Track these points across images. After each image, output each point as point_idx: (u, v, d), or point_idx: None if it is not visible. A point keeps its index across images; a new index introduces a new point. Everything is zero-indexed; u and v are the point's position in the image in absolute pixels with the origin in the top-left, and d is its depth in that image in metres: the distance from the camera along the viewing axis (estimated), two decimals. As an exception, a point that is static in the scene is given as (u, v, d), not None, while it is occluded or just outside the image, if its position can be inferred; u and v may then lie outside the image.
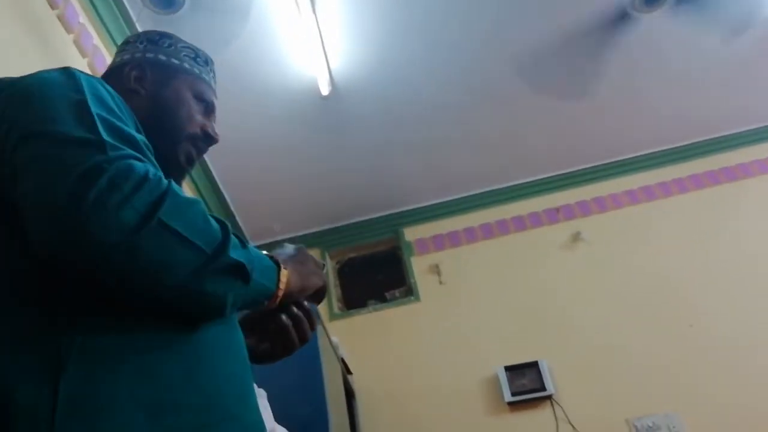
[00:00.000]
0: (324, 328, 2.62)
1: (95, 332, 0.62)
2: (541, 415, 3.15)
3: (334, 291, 3.93)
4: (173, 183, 0.68)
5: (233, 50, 2.69)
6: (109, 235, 0.59)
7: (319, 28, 2.69)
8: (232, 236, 0.70)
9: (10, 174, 0.65)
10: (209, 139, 1.02)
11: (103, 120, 0.68)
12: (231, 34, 2.60)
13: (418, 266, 3.86)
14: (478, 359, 3.37)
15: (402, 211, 4.06)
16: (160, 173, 0.67)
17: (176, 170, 0.97)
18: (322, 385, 2.24)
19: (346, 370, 3.18)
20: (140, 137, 0.73)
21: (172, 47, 1.02)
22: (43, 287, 0.64)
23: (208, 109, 1.03)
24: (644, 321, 3.33)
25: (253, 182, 3.57)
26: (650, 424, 3.01)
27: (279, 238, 3.83)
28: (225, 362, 0.73)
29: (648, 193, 3.85)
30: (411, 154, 3.60)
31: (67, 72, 0.74)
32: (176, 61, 1.01)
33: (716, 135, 3.92)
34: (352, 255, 4.13)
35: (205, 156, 3.54)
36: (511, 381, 3.23)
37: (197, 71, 1.02)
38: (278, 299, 0.80)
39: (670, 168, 3.90)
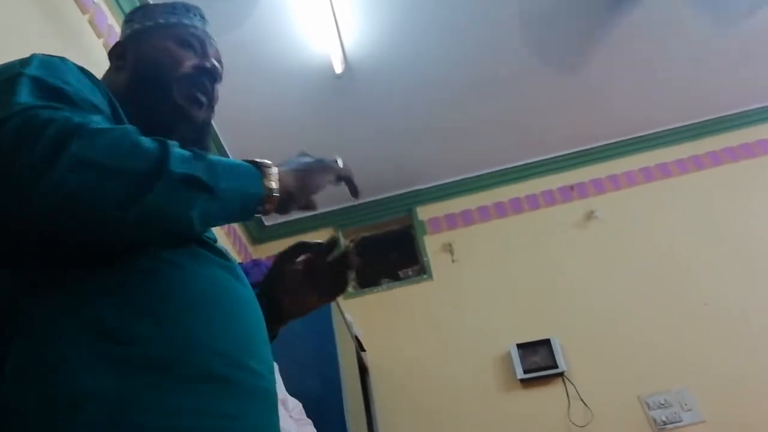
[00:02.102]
0: (338, 305, 2.65)
1: (47, 292, 0.62)
2: (553, 392, 3.18)
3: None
4: (93, 120, 0.65)
5: (246, 29, 2.69)
6: (22, 181, 0.57)
7: (332, 5, 2.67)
8: (175, 151, 0.65)
9: None
10: (206, 72, 0.95)
11: (35, 82, 0.67)
12: (244, 12, 2.59)
13: (431, 245, 3.87)
14: (490, 336, 3.40)
15: (415, 190, 4.07)
16: (78, 117, 0.63)
17: (183, 118, 0.92)
18: (337, 362, 2.27)
19: (360, 347, 3.22)
20: (87, 97, 0.71)
21: (147, 14, 1.00)
22: None
23: (199, 49, 0.97)
24: (658, 299, 3.33)
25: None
26: (662, 401, 3.03)
27: (293, 216, 3.86)
28: (204, 313, 0.69)
29: (664, 171, 3.82)
30: (424, 133, 3.59)
31: (24, 58, 0.74)
32: (150, 23, 0.98)
33: (735, 111, 3.86)
34: (365, 234, 4.15)
35: (219, 134, 3.54)
36: (523, 358, 3.26)
37: (174, 21, 0.98)
38: (275, 201, 0.76)
39: (687, 145, 3.86)
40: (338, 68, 2.96)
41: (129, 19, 1.01)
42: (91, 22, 2.20)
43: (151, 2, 1.94)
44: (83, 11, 2.16)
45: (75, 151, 0.59)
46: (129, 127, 0.66)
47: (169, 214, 0.64)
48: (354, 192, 0.95)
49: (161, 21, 0.98)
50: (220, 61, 1.01)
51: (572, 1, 2.89)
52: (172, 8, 1.00)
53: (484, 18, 2.91)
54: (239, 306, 0.76)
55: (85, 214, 0.60)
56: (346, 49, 2.92)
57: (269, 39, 2.82)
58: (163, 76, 0.92)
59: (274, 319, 0.93)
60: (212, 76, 0.97)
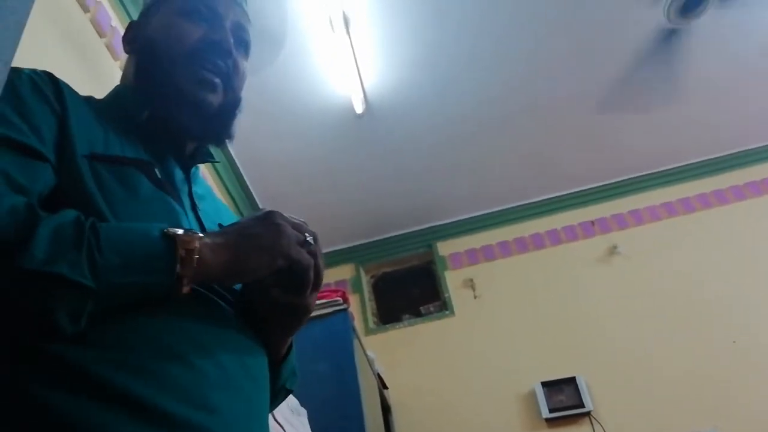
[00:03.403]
0: (360, 342, 2.64)
1: None
2: (580, 431, 3.10)
3: (369, 305, 3.95)
4: None
5: (271, 72, 2.77)
6: None
7: (353, 47, 2.74)
8: (40, 235, 0.53)
9: None
10: (214, 46, 0.80)
11: None
12: (270, 57, 2.67)
13: (453, 281, 3.86)
14: (514, 374, 3.35)
15: (436, 226, 4.08)
16: None
17: (189, 106, 0.79)
18: (359, 401, 2.25)
19: (382, 385, 3.19)
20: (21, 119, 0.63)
21: None
22: None
23: (209, 18, 0.82)
24: (685, 336, 3.26)
25: (289, 198, 3.64)
26: (693, 442, 2.94)
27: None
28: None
29: (686, 206, 3.78)
30: (444, 169, 3.62)
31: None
32: None
33: (758, 145, 3.84)
34: (386, 269, 4.16)
35: (243, 173, 3.61)
36: (548, 397, 3.20)
37: None
38: (184, 287, 0.60)
39: (710, 179, 3.83)
40: (359, 108, 3.02)
41: (144, 7, 0.91)
42: (92, 21, 2.12)
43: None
44: (85, 10, 2.10)
45: None
46: None
47: (27, 311, 0.53)
48: (299, 286, 0.70)
49: None
50: (243, 29, 0.87)
51: (591, 39, 2.93)
52: None
53: (503, 55, 2.96)
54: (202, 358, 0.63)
55: None
56: (366, 89, 2.98)
57: (293, 81, 2.90)
58: (165, 57, 0.79)
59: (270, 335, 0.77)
60: (222, 49, 0.81)
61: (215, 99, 0.81)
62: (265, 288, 0.71)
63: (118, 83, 0.88)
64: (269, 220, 0.67)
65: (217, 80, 0.81)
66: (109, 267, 0.55)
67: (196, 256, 0.60)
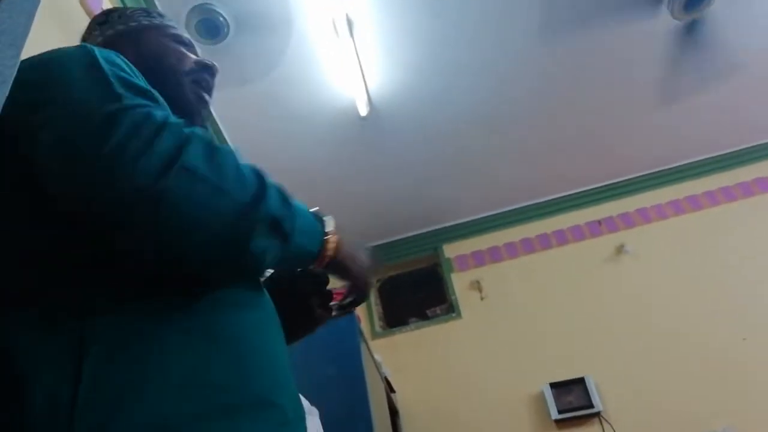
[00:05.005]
0: (368, 346, 2.63)
1: (118, 314, 0.59)
2: (590, 432, 3.09)
3: (375, 309, 3.94)
4: (199, 129, 0.64)
5: (275, 78, 2.77)
6: (133, 182, 0.56)
7: (356, 50, 2.74)
8: (272, 189, 0.65)
9: (29, 143, 0.62)
10: (208, 68, 0.96)
11: (116, 77, 0.65)
12: (274, 59, 2.67)
13: (459, 283, 3.85)
14: (522, 376, 3.33)
15: (441, 228, 4.07)
16: (182, 121, 0.64)
17: (190, 116, 0.91)
18: (368, 404, 2.24)
19: (390, 389, 3.18)
20: (156, 93, 0.71)
21: (122, 17, 0.97)
22: (62, 267, 0.61)
23: (191, 47, 0.98)
24: (694, 334, 3.24)
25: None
26: (705, 442, 2.92)
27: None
28: (257, 343, 0.67)
29: (694, 203, 3.76)
30: (449, 171, 3.61)
31: (81, 45, 0.72)
32: (134, 24, 0.96)
33: (763, 141, 3.81)
34: (392, 273, 4.15)
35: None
36: (557, 398, 3.18)
37: (158, 22, 0.97)
38: (323, 263, 0.74)
39: (717, 176, 3.81)
40: (363, 111, 3.02)
41: (102, 22, 0.97)
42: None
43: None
44: (90, 15, 2.00)
45: (187, 163, 0.58)
46: (228, 147, 0.65)
47: (252, 251, 0.61)
48: (348, 305, 0.88)
49: (146, 23, 0.96)
50: None
51: (595, 35, 2.92)
52: (146, 12, 0.99)
53: (506, 54, 2.94)
54: (279, 337, 0.74)
55: (186, 228, 0.58)
56: (370, 91, 2.98)
57: (297, 84, 2.89)
58: (173, 73, 0.91)
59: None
60: (213, 71, 0.97)
61: (205, 113, 0.96)
62: (306, 295, 0.86)
63: None
64: (373, 256, 0.85)
65: (208, 97, 0.96)
66: (297, 229, 0.66)
67: (335, 242, 0.74)
